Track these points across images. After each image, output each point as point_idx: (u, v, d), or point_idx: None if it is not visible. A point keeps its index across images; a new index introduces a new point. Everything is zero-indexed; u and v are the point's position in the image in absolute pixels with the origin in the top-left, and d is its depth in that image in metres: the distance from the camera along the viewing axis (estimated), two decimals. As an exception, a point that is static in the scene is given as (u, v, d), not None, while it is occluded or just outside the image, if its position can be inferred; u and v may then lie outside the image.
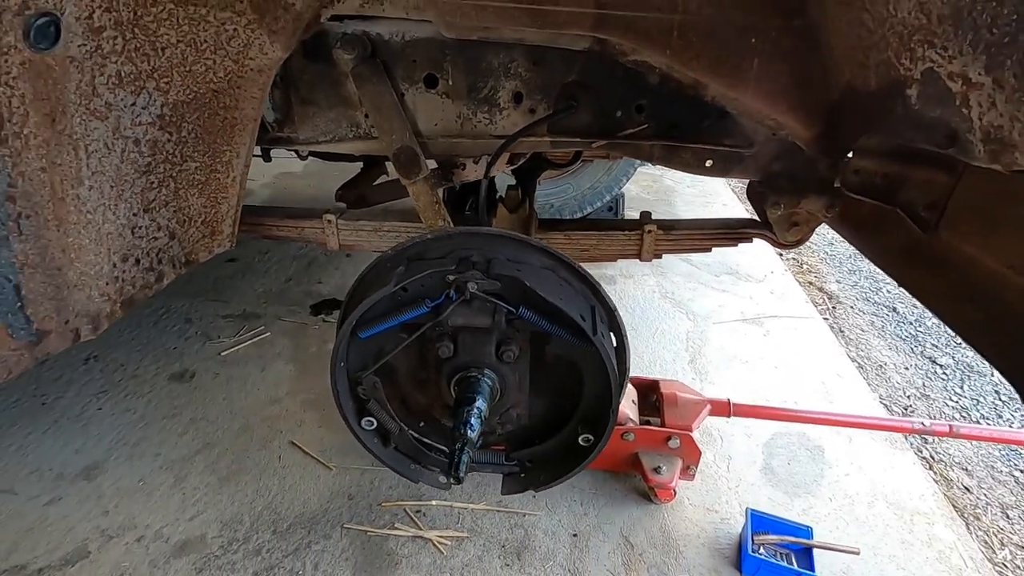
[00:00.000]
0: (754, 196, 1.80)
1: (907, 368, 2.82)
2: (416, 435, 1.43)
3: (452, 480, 1.07)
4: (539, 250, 1.27)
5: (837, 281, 3.66)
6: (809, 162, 1.63)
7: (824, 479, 2.00)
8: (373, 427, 1.37)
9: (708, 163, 1.64)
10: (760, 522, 1.68)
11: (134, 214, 1.30)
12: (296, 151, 2.10)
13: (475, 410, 1.16)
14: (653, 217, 1.84)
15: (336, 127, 1.68)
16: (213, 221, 1.41)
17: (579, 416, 1.35)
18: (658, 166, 1.69)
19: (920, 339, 3.09)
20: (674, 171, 2.15)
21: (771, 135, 1.48)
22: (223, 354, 2.49)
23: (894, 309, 3.37)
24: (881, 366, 2.81)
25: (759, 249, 3.71)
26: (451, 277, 1.17)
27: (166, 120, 1.28)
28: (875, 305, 3.40)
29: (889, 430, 2.11)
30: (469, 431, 1.11)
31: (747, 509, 1.70)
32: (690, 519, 1.82)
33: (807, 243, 1.82)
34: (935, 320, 3.28)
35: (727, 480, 1.97)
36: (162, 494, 1.85)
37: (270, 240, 1.90)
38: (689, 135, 1.52)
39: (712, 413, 1.89)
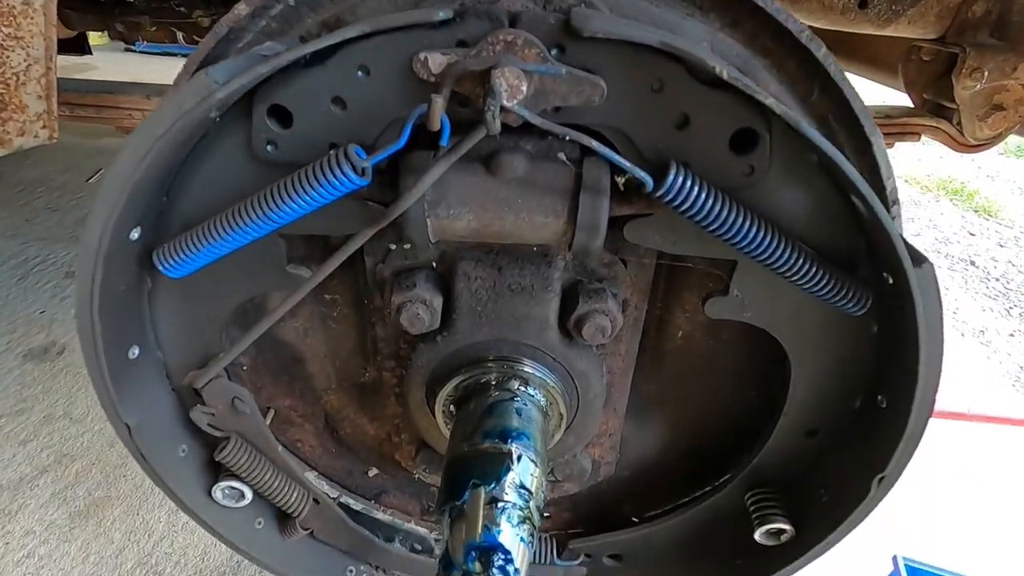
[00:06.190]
0: (923, 69, 1.13)
1: (1012, 335, 2.23)
2: (363, 503, 0.71)
3: None
4: None
5: (898, 229, 3.05)
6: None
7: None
8: (245, 502, 0.64)
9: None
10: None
11: None
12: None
13: (512, 489, 0.44)
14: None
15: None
16: (-6, 83, 0.86)
17: (751, 472, 0.59)
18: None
19: (1012, 298, 2.51)
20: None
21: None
22: (111, 320, 1.77)
23: (972, 263, 2.78)
24: (982, 331, 2.22)
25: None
26: (433, 59, 0.41)
27: None
28: (949, 259, 2.80)
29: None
30: (501, 562, 0.40)
31: (894, 557, 1.07)
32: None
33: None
34: (1025, 276, 2.69)
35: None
36: (-30, 544, 1.17)
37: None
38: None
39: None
